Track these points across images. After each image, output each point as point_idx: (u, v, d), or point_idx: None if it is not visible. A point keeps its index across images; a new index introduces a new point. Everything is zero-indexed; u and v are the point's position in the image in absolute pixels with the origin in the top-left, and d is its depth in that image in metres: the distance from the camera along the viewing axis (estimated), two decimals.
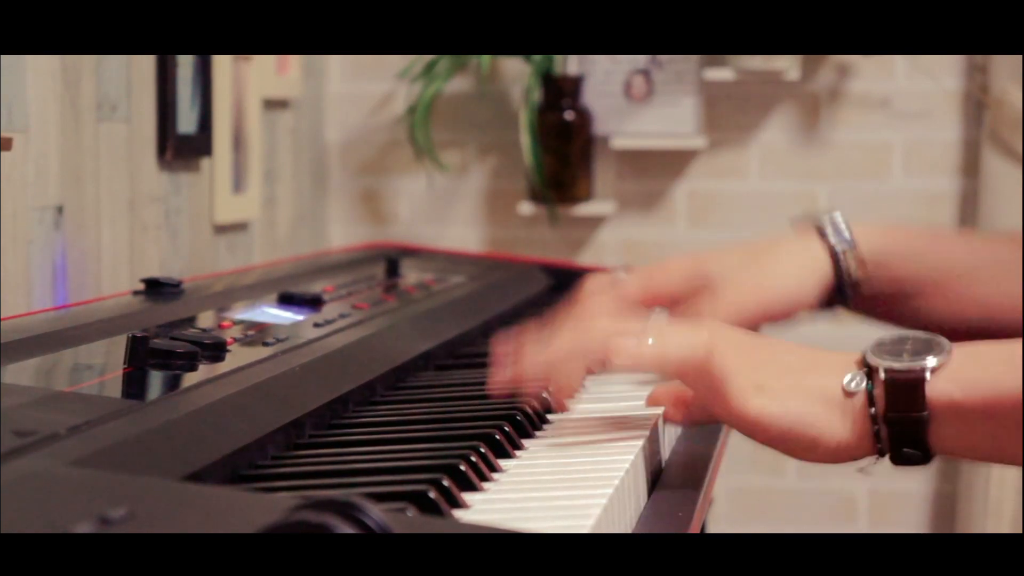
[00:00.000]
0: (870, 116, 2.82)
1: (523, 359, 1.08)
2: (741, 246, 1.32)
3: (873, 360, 0.99)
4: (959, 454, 1.01)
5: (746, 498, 2.87)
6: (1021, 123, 2.66)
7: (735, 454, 2.83)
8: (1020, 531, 2.64)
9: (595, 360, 1.05)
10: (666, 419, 1.10)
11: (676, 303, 1.28)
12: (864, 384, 0.98)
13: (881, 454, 0.99)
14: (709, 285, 1.27)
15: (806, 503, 2.88)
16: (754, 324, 1.28)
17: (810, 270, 1.29)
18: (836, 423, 0.99)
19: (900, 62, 2.79)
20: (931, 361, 0.98)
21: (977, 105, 2.77)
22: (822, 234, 1.30)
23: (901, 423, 0.98)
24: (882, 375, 0.98)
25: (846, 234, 1.30)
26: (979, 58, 2.74)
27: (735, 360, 1.00)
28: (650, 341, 1.01)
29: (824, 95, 2.82)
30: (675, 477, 1.07)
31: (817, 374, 1.00)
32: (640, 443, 1.03)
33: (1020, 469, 2.69)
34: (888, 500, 2.87)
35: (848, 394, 0.99)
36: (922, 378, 0.97)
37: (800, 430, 0.99)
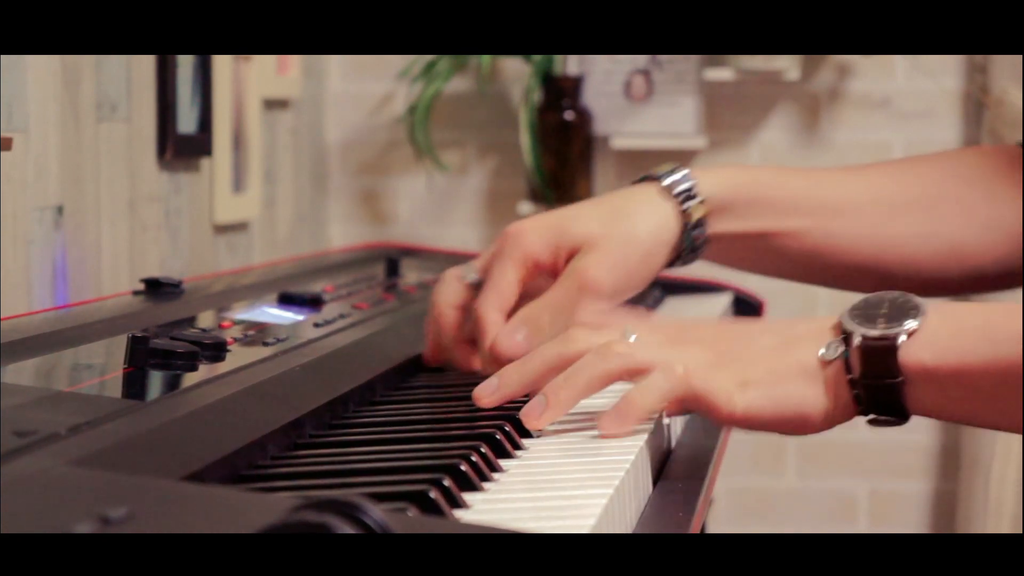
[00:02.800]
0: (870, 116, 2.82)
1: (506, 382, 1.10)
2: (597, 204, 1.31)
3: (848, 326, 1.01)
4: (934, 414, 1.03)
5: (746, 498, 2.87)
6: (1021, 123, 2.66)
7: (735, 454, 2.83)
8: (1020, 531, 2.64)
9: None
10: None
11: (541, 271, 1.28)
12: (840, 351, 1.01)
13: (865, 414, 1.02)
14: (575, 245, 1.26)
15: (806, 503, 2.88)
16: (626, 288, 1.28)
17: (661, 225, 1.29)
18: (820, 394, 1.01)
19: (900, 62, 2.79)
20: (905, 327, 1.00)
21: (977, 105, 2.78)
22: (663, 187, 1.31)
23: (876, 387, 1.00)
24: (856, 341, 1.00)
25: (687, 182, 1.31)
26: (979, 58, 2.74)
27: (712, 371, 1.02)
28: (633, 399, 1.03)
29: (824, 95, 2.82)
30: (675, 476, 1.07)
31: (794, 349, 1.02)
32: (640, 442, 1.03)
33: (1019, 468, 2.69)
34: (888, 500, 2.87)
35: (825, 363, 1.01)
36: (894, 345, 0.99)
37: (790, 411, 1.01)
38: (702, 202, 1.30)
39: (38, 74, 1.63)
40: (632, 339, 1.06)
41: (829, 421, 1.02)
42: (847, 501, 2.87)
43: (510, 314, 1.27)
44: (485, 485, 0.93)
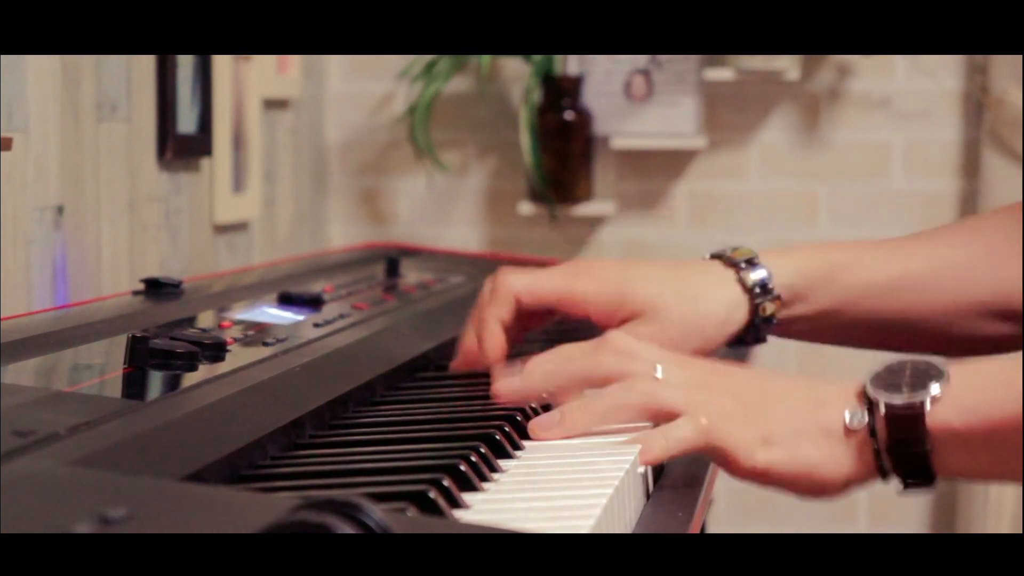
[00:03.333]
0: (870, 116, 2.82)
1: (529, 380, 1.10)
2: (667, 271, 1.28)
3: (872, 394, 1.00)
4: (964, 476, 1.03)
5: (746, 498, 2.87)
6: (1021, 123, 2.66)
7: None
8: (1020, 531, 2.64)
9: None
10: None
11: (590, 315, 1.26)
12: (865, 419, 1.00)
13: (885, 480, 1.01)
14: (633, 309, 1.24)
15: (806, 503, 2.88)
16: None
17: (730, 314, 1.27)
18: (842, 459, 1.01)
19: (900, 62, 2.79)
20: (930, 392, 0.99)
21: (977, 105, 2.78)
22: (741, 278, 1.28)
23: (904, 455, 1.00)
24: (882, 410, 0.99)
25: (762, 277, 1.28)
26: (979, 58, 2.74)
27: (735, 425, 1.02)
28: (652, 444, 1.02)
29: (824, 95, 2.82)
30: (675, 477, 1.07)
31: (818, 413, 1.02)
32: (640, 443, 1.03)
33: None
34: (888, 500, 2.87)
35: (850, 431, 1.00)
36: (922, 412, 0.99)
37: (809, 473, 1.01)
38: (776, 298, 1.28)
39: (38, 74, 1.63)
40: (659, 373, 1.05)
41: (846, 487, 1.02)
42: (847, 501, 2.87)
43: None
44: (485, 485, 0.93)
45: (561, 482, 0.95)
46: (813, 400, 1.02)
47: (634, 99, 2.78)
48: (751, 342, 1.30)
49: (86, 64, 1.74)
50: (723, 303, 1.27)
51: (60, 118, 1.68)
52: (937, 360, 1.01)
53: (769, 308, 1.28)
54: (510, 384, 1.10)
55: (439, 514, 0.83)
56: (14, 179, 1.58)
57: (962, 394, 0.99)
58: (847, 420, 1.00)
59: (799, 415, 1.02)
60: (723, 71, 2.74)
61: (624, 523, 0.93)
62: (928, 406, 0.99)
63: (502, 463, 0.99)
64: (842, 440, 1.01)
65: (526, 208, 2.78)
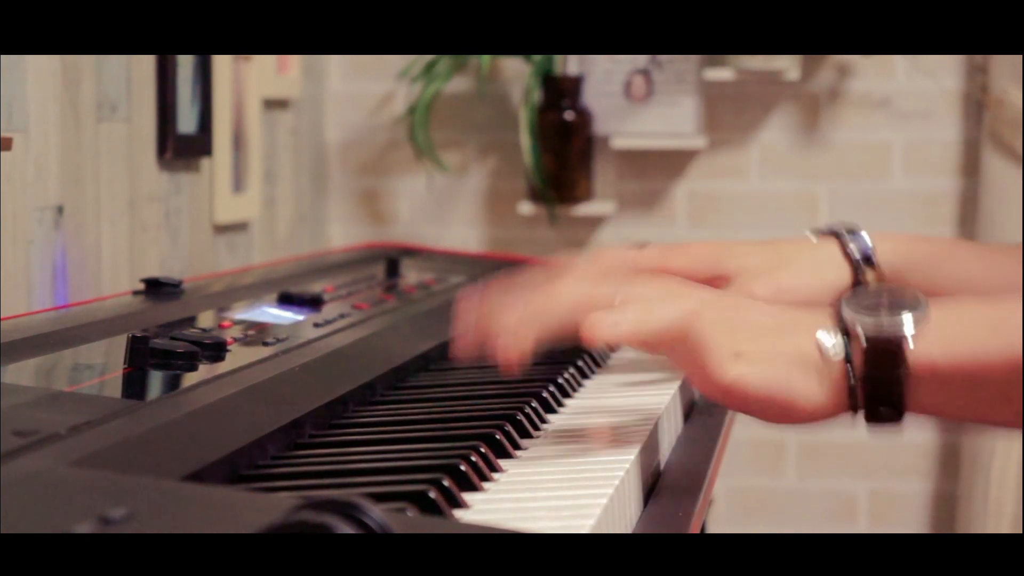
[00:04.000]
0: (870, 116, 2.82)
1: (483, 316, 1.04)
2: (764, 246, 1.30)
3: (850, 317, 0.97)
4: (935, 414, 0.99)
5: (746, 498, 2.87)
6: (1021, 123, 2.66)
7: (735, 454, 2.84)
8: (1020, 531, 2.64)
9: (558, 328, 1.01)
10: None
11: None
12: (841, 345, 0.96)
13: (856, 412, 0.97)
14: (726, 279, 1.26)
15: (806, 503, 2.88)
16: None
17: (830, 279, 1.27)
18: (813, 385, 0.96)
19: (900, 62, 2.79)
20: (910, 321, 0.95)
21: (977, 105, 2.78)
22: (842, 243, 1.29)
23: (879, 385, 0.95)
24: (861, 337, 0.95)
25: (866, 244, 1.29)
26: (979, 58, 2.74)
27: (714, 328, 0.98)
28: (629, 314, 0.98)
29: (824, 95, 2.82)
30: (675, 477, 1.07)
31: (793, 335, 0.98)
32: (640, 442, 1.03)
33: (1019, 468, 2.69)
34: (888, 500, 2.87)
35: (825, 357, 0.96)
36: (903, 342, 0.95)
37: (777, 395, 0.96)
38: (877, 268, 1.27)
39: (38, 74, 1.63)
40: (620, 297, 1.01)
41: (814, 415, 0.97)
42: (847, 501, 2.87)
43: None
44: (485, 485, 0.93)
45: (561, 482, 0.95)
46: (788, 322, 0.98)
47: (634, 99, 2.78)
48: None
49: (86, 64, 1.74)
50: (822, 270, 1.27)
51: (60, 118, 1.68)
52: (917, 291, 0.98)
53: (870, 277, 1.27)
54: (473, 292, 1.05)
55: (439, 514, 0.83)
56: (14, 179, 1.58)
57: (945, 330, 0.95)
58: (822, 344, 0.96)
59: (773, 334, 0.98)
60: (723, 71, 2.74)
61: (624, 523, 0.93)
62: (909, 331, 0.95)
63: (502, 463, 0.99)
64: (815, 366, 0.96)
65: (526, 208, 2.78)
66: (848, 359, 0.96)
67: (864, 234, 1.29)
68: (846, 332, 0.96)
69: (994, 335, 0.95)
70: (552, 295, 1.02)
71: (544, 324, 1.01)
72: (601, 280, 1.03)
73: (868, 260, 1.28)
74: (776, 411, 0.97)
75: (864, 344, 0.95)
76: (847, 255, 1.28)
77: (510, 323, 1.02)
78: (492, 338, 1.02)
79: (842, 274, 1.28)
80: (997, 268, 1.31)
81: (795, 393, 0.97)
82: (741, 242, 1.31)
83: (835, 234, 1.30)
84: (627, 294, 1.00)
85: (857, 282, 1.28)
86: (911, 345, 0.95)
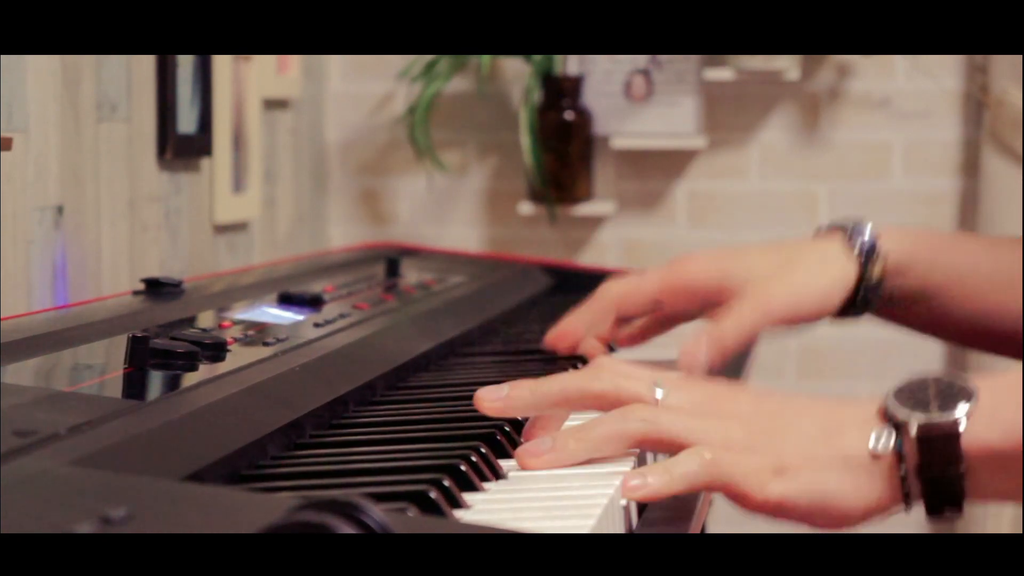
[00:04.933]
0: (870, 116, 2.82)
1: (516, 392, 1.02)
2: (768, 249, 1.30)
3: (899, 413, 0.92)
4: (995, 499, 0.95)
5: None
6: (1021, 123, 2.66)
7: None
8: (1020, 531, 2.64)
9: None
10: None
11: (697, 300, 1.28)
12: (892, 443, 0.92)
13: (909, 506, 0.93)
14: (736, 287, 1.26)
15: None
16: (779, 327, 1.28)
17: (837, 277, 1.28)
18: (863, 488, 0.92)
19: (900, 62, 2.79)
20: (962, 409, 0.91)
21: (977, 105, 2.78)
22: (848, 239, 1.29)
23: (935, 479, 0.91)
24: (913, 432, 0.91)
25: (871, 239, 1.29)
26: (979, 58, 2.74)
27: (744, 455, 0.93)
28: (651, 480, 0.93)
29: (824, 95, 2.82)
30: None
31: (837, 438, 0.93)
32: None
33: None
34: None
35: (875, 455, 0.92)
36: (957, 430, 0.91)
37: (827, 504, 0.93)
38: (882, 261, 1.27)
39: (38, 74, 1.63)
40: (660, 395, 0.98)
41: (868, 516, 0.93)
42: None
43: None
44: (485, 485, 0.93)
45: (561, 482, 0.95)
46: (830, 424, 0.94)
47: (634, 99, 2.78)
48: (859, 310, 1.29)
49: (86, 64, 1.74)
50: (830, 269, 1.27)
51: (60, 118, 1.68)
52: (961, 375, 0.94)
53: (876, 270, 1.27)
54: (496, 394, 1.01)
55: (439, 514, 0.83)
56: (14, 179, 1.58)
57: (996, 409, 0.91)
58: (872, 444, 0.92)
59: (815, 441, 0.93)
60: (723, 71, 2.74)
61: (624, 523, 0.93)
62: (963, 424, 0.91)
63: (502, 463, 0.99)
64: (865, 466, 0.92)
65: (526, 208, 2.78)
66: (900, 455, 0.92)
67: (868, 228, 1.30)
68: (896, 429, 0.92)
69: None
70: (583, 434, 0.99)
71: (587, 448, 0.99)
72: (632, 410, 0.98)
73: (873, 253, 1.28)
74: (827, 520, 0.93)
75: (917, 439, 0.91)
76: (852, 250, 1.29)
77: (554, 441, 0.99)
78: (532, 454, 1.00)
79: (848, 269, 1.29)
80: (1006, 260, 1.31)
81: (845, 500, 0.93)
82: (745, 248, 1.31)
83: (840, 228, 1.31)
84: (660, 426, 0.97)
85: (863, 276, 1.28)
86: (964, 430, 0.91)
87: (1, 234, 1.54)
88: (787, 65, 2.72)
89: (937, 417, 0.91)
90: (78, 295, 1.71)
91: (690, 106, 2.77)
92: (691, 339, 1.23)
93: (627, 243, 2.85)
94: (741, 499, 0.93)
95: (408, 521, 0.75)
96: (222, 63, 2.11)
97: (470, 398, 1.10)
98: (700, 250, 1.31)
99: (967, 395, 0.92)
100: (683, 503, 1.00)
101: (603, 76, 2.78)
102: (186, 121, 1.98)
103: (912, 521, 2.98)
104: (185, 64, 1.97)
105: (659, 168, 2.85)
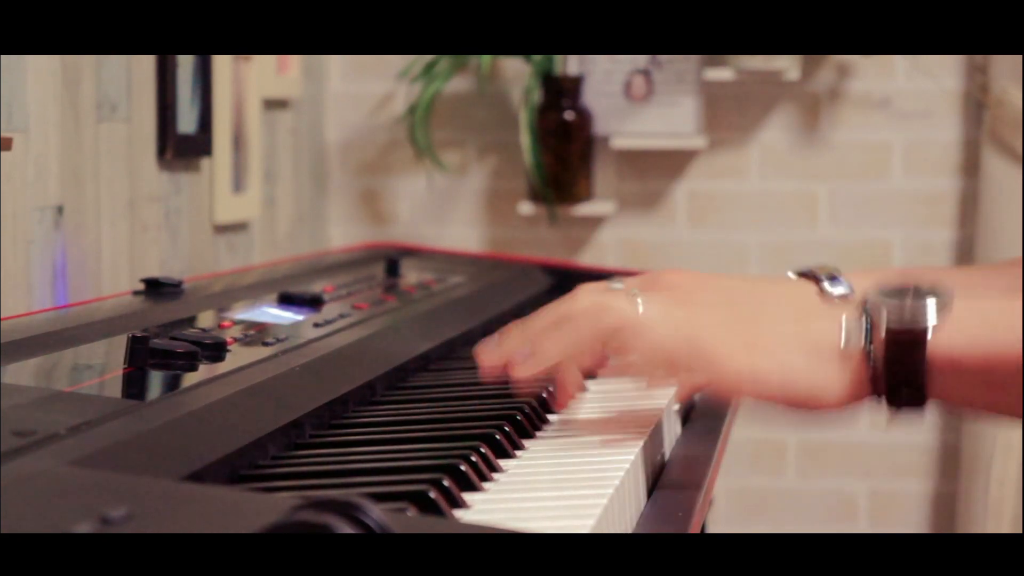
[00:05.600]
0: (870, 116, 2.82)
1: (507, 338, 1.06)
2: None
3: (874, 301, 0.97)
4: (956, 404, 0.99)
5: (746, 498, 2.87)
6: (1021, 123, 2.66)
7: (735, 454, 2.83)
8: (1020, 531, 2.64)
9: (577, 347, 1.03)
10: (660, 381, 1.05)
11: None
12: (863, 335, 0.96)
13: (878, 398, 0.97)
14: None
15: (806, 503, 2.88)
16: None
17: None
18: (834, 373, 0.97)
19: (900, 62, 2.79)
20: (933, 310, 0.96)
21: (977, 105, 2.78)
22: (819, 287, 1.28)
23: (901, 371, 0.96)
24: (883, 324, 0.96)
25: (843, 290, 1.28)
26: (979, 58, 2.74)
27: (719, 327, 0.98)
28: (627, 344, 0.99)
29: (824, 95, 2.82)
30: (675, 477, 1.07)
31: (812, 322, 0.98)
32: (640, 443, 1.03)
33: (1019, 468, 2.69)
34: (888, 500, 2.87)
35: (845, 344, 0.96)
36: (924, 336, 0.95)
37: (800, 386, 0.97)
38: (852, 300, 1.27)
39: (38, 74, 1.63)
40: (638, 300, 1.01)
41: (840, 402, 0.97)
42: (847, 501, 2.87)
43: None
44: (485, 485, 0.93)
45: (561, 482, 0.95)
46: (807, 310, 0.99)
47: (634, 99, 2.78)
48: None
49: (86, 64, 1.74)
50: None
51: (60, 118, 1.68)
52: (943, 285, 0.98)
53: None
54: (489, 343, 1.06)
55: (439, 514, 0.83)
56: (14, 179, 1.58)
57: (965, 324, 0.96)
58: (843, 333, 0.96)
59: (790, 322, 0.98)
60: (723, 71, 2.74)
61: (624, 523, 0.93)
62: (930, 333, 0.95)
63: (502, 463, 0.99)
64: (836, 354, 0.97)
65: (526, 208, 2.78)
66: (869, 345, 0.96)
67: (842, 278, 1.28)
68: (869, 319, 0.96)
69: (1011, 330, 0.96)
70: (573, 315, 1.02)
71: (565, 343, 1.02)
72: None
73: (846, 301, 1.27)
74: (801, 402, 0.97)
75: (885, 336, 0.96)
76: (824, 297, 1.27)
77: (536, 333, 1.03)
78: (522, 354, 1.03)
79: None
80: (981, 293, 1.30)
81: (815, 381, 0.97)
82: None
83: (812, 277, 1.29)
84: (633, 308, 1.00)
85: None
86: (931, 334, 0.95)
87: (1, 234, 1.54)
88: (787, 65, 2.73)
89: (908, 309, 0.96)
90: (78, 295, 1.71)
91: (690, 106, 2.77)
92: None
93: (627, 243, 2.85)
94: (715, 370, 0.97)
95: (408, 521, 0.75)
96: (222, 63, 2.11)
97: (470, 398, 1.11)
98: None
99: (939, 294, 0.97)
100: (684, 500, 1.00)
101: (603, 76, 2.78)
102: (186, 121, 1.98)
103: (912, 521, 2.96)
104: (185, 64, 1.97)
105: (659, 168, 2.85)
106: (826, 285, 1.26)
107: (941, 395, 0.97)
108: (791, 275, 1.28)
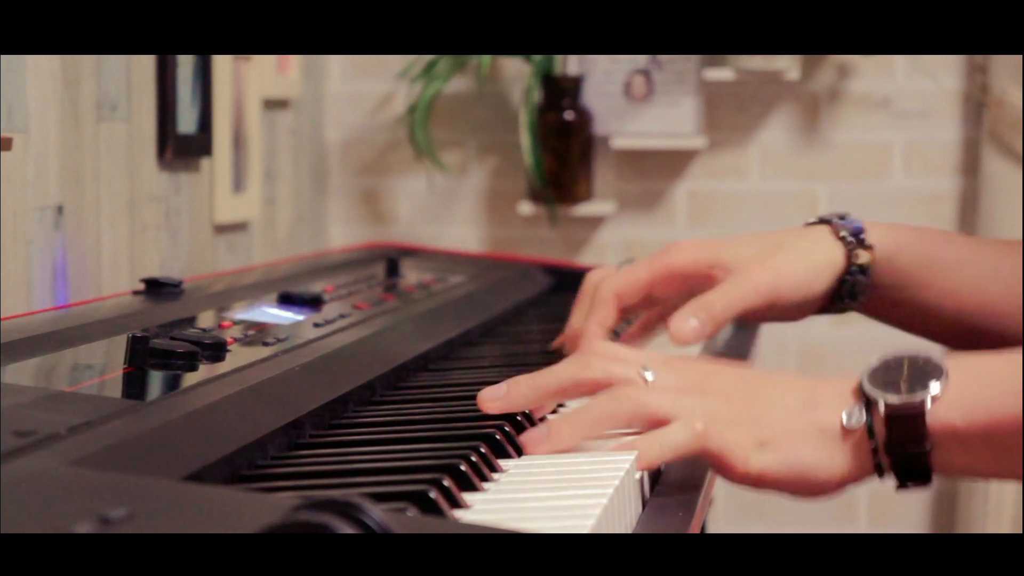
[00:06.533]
0: (870, 116, 2.82)
1: (515, 397, 1.07)
2: (755, 237, 1.32)
3: (870, 392, 0.98)
4: (962, 474, 1.01)
5: (746, 498, 2.87)
6: (1021, 123, 2.66)
7: None
8: (1020, 531, 2.64)
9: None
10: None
11: (687, 286, 1.29)
12: (863, 419, 0.98)
13: (881, 476, 0.99)
14: (724, 271, 1.27)
15: (806, 503, 2.88)
16: (765, 314, 1.30)
17: (823, 263, 1.29)
18: (837, 459, 0.99)
19: (900, 62, 2.79)
20: (930, 391, 0.97)
21: (977, 105, 2.78)
22: (835, 229, 1.31)
23: (902, 455, 0.98)
24: (881, 410, 0.97)
25: (858, 229, 1.30)
26: (979, 58, 2.74)
27: (729, 428, 0.99)
28: (642, 447, 1.00)
29: (824, 95, 2.82)
30: (675, 477, 1.07)
31: (813, 412, 1.00)
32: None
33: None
34: (888, 500, 2.87)
35: (847, 431, 0.98)
36: (922, 411, 0.97)
37: (804, 475, 0.99)
38: (869, 248, 1.29)
39: (38, 74, 1.63)
40: (649, 377, 1.03)
41: (844, 485, 1.00)
42: (847, 501, 2.87)
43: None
44: (485, 485, 0.93)
45: (561, 482, 0.95)
46: (808, 399, 1.00)
47: (634, 99, 2.78)
48: (845, 301, 1.31)
49: (86, 64, 1.74)
50: (815, 253, 1.29)
51: (60, 118, 1.68)
52: (935, 355, 0.99)
53: (863, 256, 1.29)
54: (495, 393, 1.07)
55: (439, 514, 0.83)
56: (14, 179, 1.58)
57: (963, 392, 0.97)
58: (844, 420, 0.98)
59: (793, 416, 1.00)
60: (723, 71, 2.74)
61: (624, 523, 0.93)
62: (928, 405, 0.97)
63: (502, 463, 0.99)
64: (838, 440, 0.98)
65: (526, 208, 2.78)
66: (870, 431, 0.98)
67: (855, 221, 1.31)
68: (868, 406, 0.98)
69: (1009, 390, 0.96)
70: (576, 418, 1.03)
71: (582, 430, 1.03)
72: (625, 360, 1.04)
73: (860, 240, 1.29)
74: (805, 489, 1.00)
75: (884, 417, 0.97)
76: (839, 237, 1.29)
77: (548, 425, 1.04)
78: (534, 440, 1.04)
79: (835, 255, 1.30)
80: (990, 258, 1.32)
81: (821, 471, 0.99)
82: (732, 236, 1.33)
83: (828, 221, 1.32)
84: (648, 404, 1.02)
85: (850, 262, 1.28)
86: (928, 413, 0.97)
87: (1, 234, 1.54)
88: (787, 65, 2.72)
89: (905, 397, 0.97)
90: (78, 295, 1.71)
91: (690, 106, 2.77)
92: (679, 311, 1.25)
93: (627, 243, 2.85)
94: (726, 469, 1.00)
95: (407, 521, 0.75)
96: (222, 63, 2.11)
97: (470, 398, 1.11)
98: (688, 239, 1.32)
99: (937, 375, 0.98)
100: (685, 500, 1.00)
101: (603, 76, 2.78)
102: (186, 121, 1.98)
103: (912, 521, 2.96)
104: (185, 64, 1.97)
105: (659, 168, 2.85)
106: (838, 223, 1.29)
107: (945, 465, 0.98)
108: (810, 223, 1.31)
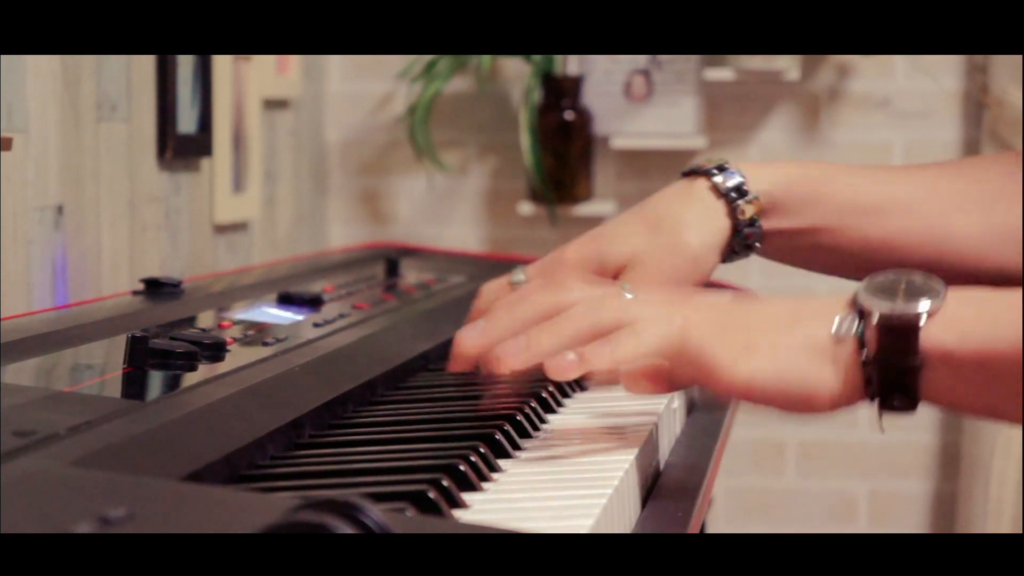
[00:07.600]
0: (870, 116, 2.82)
1: (494, 325, 1.04)
2: (636, 216, 1.26)
3: (865, 300, 0.95)
4: (948, 404, 0.97)
5: (746, 498, 2.87)
6: (1021, 123, 2.66)
7: (735, 454, 2.83)
8: (1020, 531, 2.64)
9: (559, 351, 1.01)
10: (646, 392, 1.03)
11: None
12: (855, 328, 0.94)
13: (873, 399, 0.95)
14: (613, 269, 1.23)
15: (806, 503, 2.88)
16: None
17: (709, 231, 1.25)
18: (828, 373, 0.95)
19: (900, 62, 2.79)
20: (925, 305, 0.93)
21: (977, 105, 2.78)
22: (713, 184, 1.26)
23: (893, 369, 0.94)
24: (875, 318, 0.94)
25: (738, 179, 1.25)
26: (979, 58, 2.74)
27: (714, 330, 0.96)
28: (622, 341, 0.97)
29: (824, 95, 2.82)
30: (674, 477, 1.07)
31: (804, 323, 0.96)
32: (639, 443, 1.03)
33: (1019, 468, 2.69)
34: (888, 500, 2.87)
35: (837, 340, 0.95)
36: (916, 324, 0.93)
37: (795, 387, 0.95)
38: (753, 199, 1.25)
39: (38, 74, 1.63)
40: (629, 296, 1.01)
41: (835, 403, 0.95)
42: (847, 501, 2.87)
43: None
44: (484, 485, 0.93)
45: (561, 482, 0.95)
46: (799, 311, 0.97)
47: (634, 99, 2.78)
48: (741, 251, 1.27)
49: (86, 64, 1.74)
50: (701, 218, 1.25)
51: (60, 118, 1.68)
52: (936, 278, 0.96)
53: (748, 210, 1.25)
54: (474, 329, 1.04)
55: (439, 514, 0.83)
56: (14, 179, 1.58)
57: (960, 315, 0.93)
58: (834, 328, 0.94)
59: (783, 324, 0.96)
60: (723, 71, 2.74)
61: (624, 523, 0.93)
62: (924, 320, 0.93)
63: (502, 463, 0.99)
64: (829, 352, 0.94)
65: (526, 208, 2.78)
66: (861, 342, 0.94)
67: (731, 168, 1.26)
68: (861, 315, 0.95)
69: (1007, 325, 0.93)
70: (561, 299, 1.02)
71: (561, 337, 1.00)
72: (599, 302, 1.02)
73: (741, 192, 1.25)
74: (795, 403, 0.96)
75: (877, 326, 0.94)
76: (720, 194, 1.25)
77: (526, 336, 1.01)
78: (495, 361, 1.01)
79: (719, 217, 1.25)
80: (889, 183, 1.28)
81: (811, 383, 0.95)
82: (617, 220, 1.27)
83: (703, 173, 1.26)
84: (625, 305, 1.00)
85: (735, 217, 1.25)
86: (923, 329, 0.93)
87: (1, 234, 1.54)
88: (787, 65, 2.73)
89: (900, 308, 0.93)
90: (78, 295, 1.71)
91: (690, 106, 2.77)
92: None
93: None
94: (710, 375, 0.96)
95: (407, 521, 0.75)
96: (222, 63, 2.11)
97: (470, 398, 1.11)
98: (568, 247, 1.26)
99: (934, 293, 0.94)
100: (684, 500, 1.00)
101: (603, 76, 2.78)
102: (186, 121, 1.98)
103: (912, 521, 2.96)
104: (185, 64, 1.97)
105: (659, 168, 2.85)
106: (717, 179, 1.25)
107: (935, 392, 0.95)
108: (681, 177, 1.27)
